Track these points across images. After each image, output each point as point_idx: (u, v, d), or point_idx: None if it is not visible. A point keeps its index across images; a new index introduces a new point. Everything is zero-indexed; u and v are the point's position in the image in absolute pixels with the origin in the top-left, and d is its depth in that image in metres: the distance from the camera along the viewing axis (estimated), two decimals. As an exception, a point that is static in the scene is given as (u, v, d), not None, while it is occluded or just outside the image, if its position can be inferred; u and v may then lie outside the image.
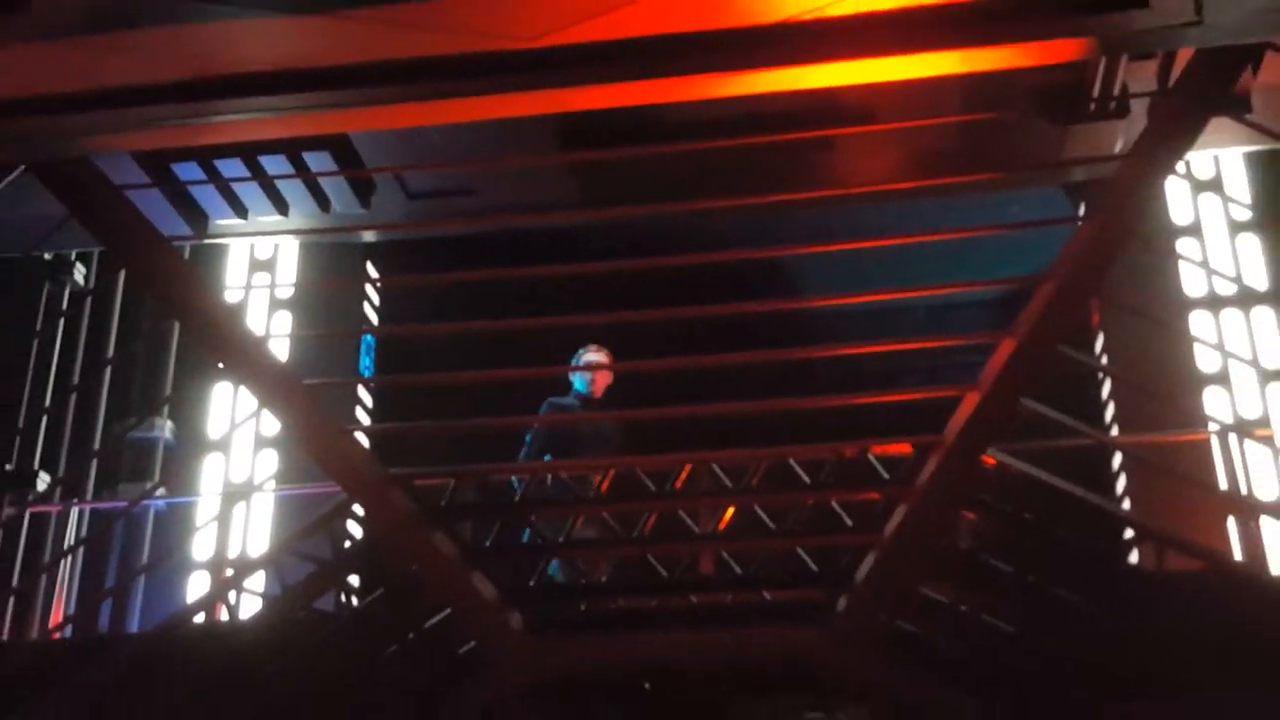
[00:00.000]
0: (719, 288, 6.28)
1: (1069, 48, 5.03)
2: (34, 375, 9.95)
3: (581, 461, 7.71)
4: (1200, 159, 9.11)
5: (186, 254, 9.11)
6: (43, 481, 9.66)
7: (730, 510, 7.14)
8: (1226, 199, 9.11)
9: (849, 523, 6.37)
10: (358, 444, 6.17)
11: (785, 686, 5.92)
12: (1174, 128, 5.53)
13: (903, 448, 6.06)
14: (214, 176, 8.25)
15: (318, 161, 8.26)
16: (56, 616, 9.08)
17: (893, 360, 9.35)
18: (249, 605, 6.82)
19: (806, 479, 6.45)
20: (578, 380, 8.46)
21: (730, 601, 6.47)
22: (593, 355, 8.37)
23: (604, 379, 8.46)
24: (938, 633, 5.78)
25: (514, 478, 7.26)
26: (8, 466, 9.53)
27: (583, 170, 8.34)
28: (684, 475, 7.03)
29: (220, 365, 6.46)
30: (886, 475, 6.11)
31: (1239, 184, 9.27)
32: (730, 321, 6.03)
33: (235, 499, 9.39)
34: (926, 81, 5.19)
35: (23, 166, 6.39)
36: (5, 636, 8.63)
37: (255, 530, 9.34)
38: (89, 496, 9.75)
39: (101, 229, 6.09)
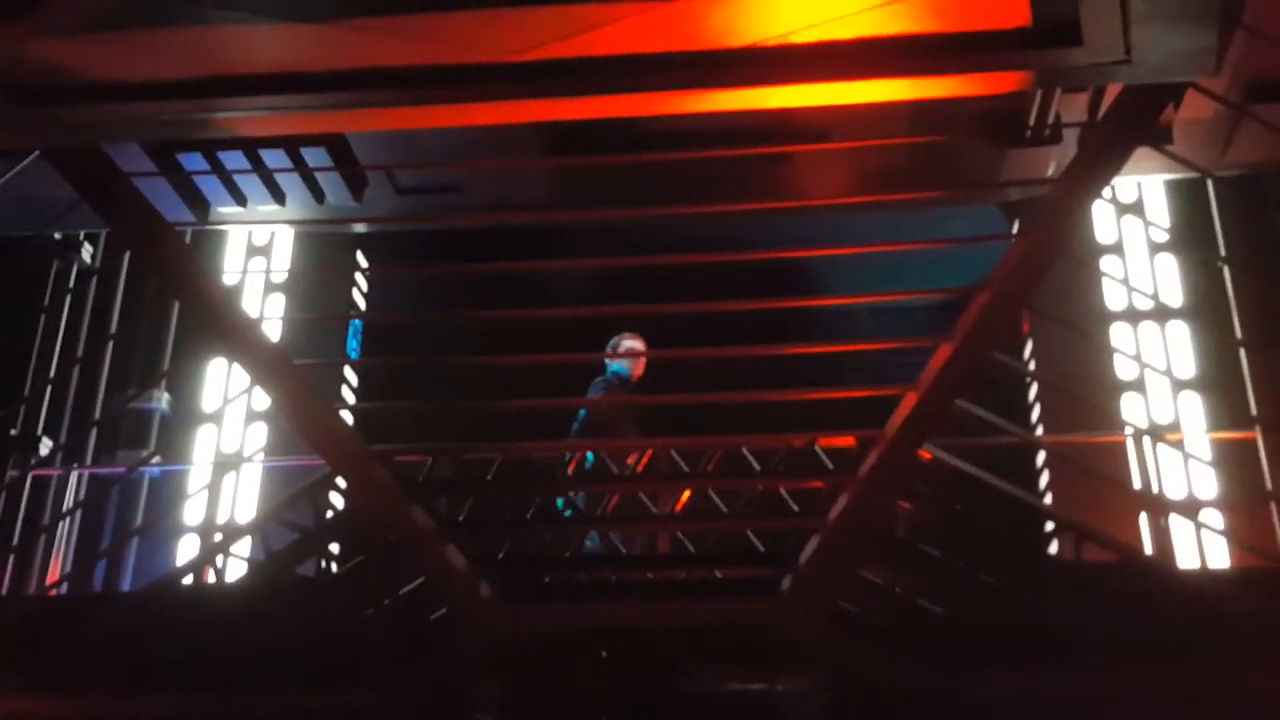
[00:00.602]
0: (688, 287, 6.30)
1: (1009, 80, 5.07)
2: (40, 346, 9.87)
3: (558, 442, 7.71)
4: (1124, 184, 9.19)
5: (188, 238, 9.06)
6: (45, 446, 9.59)
7: (687, 493, 7.17)
8: (1147, 222, 9.18)
9: (795, 508, 6.40)
10: (342, 421, 6.15)
11: (734, 658, 5.94)
12: (1102, 156, 5.57)
13: (846, 441, 6.10)
14: (216, 167, 8.19)
15: (314, 156, 8.23)
16: (54, 574, 9.02)
17: (840, 359, 9.38)
18: (236, 569, 6.78)
19: (758, 466, 6.48)
20: (617, 364, 8.45)
21: (684, 577, 6.49)
22: (629, 342, 8.41)
23: (642, 364, 8.49)
24: (874, 610, 5.82)
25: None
26: (12, 431, 9.46)
27: (561, 173, 8.34)
28: (645, 459, 7.05)
29: (216, 343, 6.41)
30: (831, 465, 6.14)
31: (1159, 208, 9.34)
32: (695, 319, 6.05)
33: (226, 468, 9.34)
34: (878, 104, 5.23)
35: (38, 151, 6.34)
36: (4, 591, 8.57)
37: (243, 498, 9.29)
38: (88, 462, 9.67)
39: (110, 212, 6.02)
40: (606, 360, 8.46)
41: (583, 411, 8.24)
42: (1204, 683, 5.31)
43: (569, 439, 8.08)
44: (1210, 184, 8.80)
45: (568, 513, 7.68)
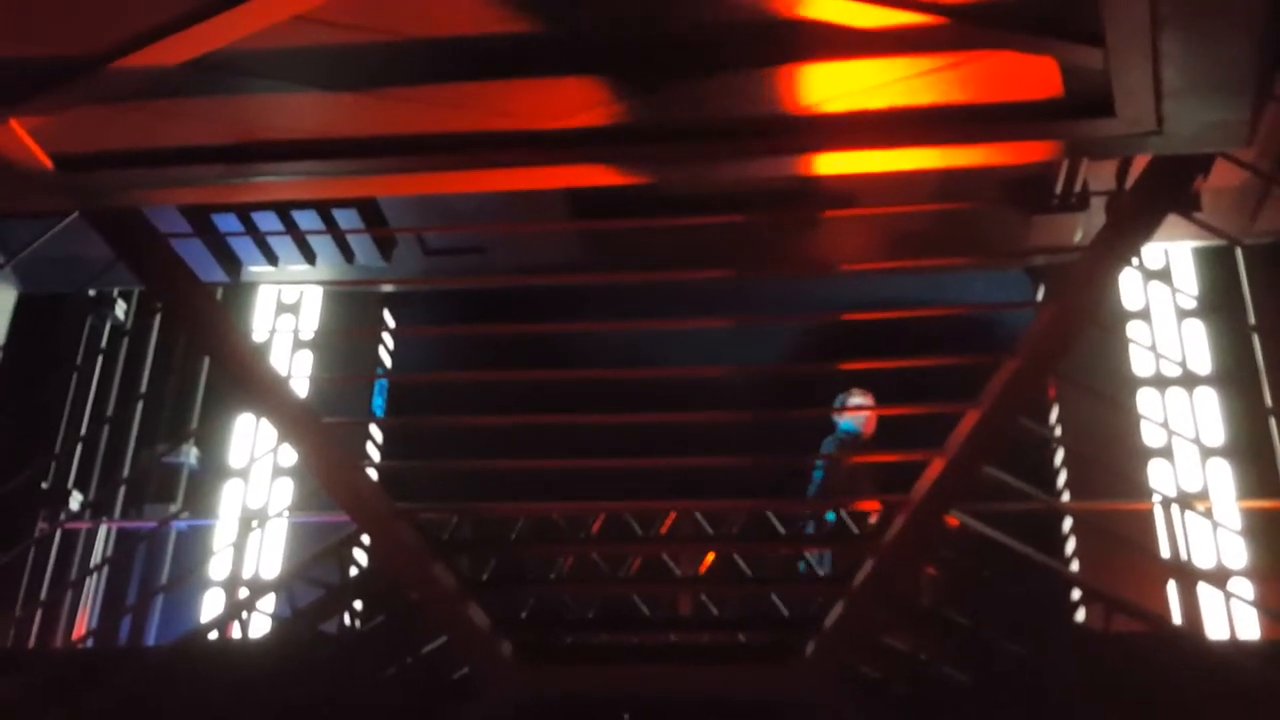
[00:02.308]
0: (707, 347, 6.32)
1: (1040, 149, 5.08)
2: (73, 402, 9.94)
3: (565, 504, 7.66)
4: (1152, 250, 9.17)
5: (219, 295, 9.14)
6: (75, 501, 9.63)
7: (710, 556, 7.13)
8: (1174, 288, 9.15)
9: (820, 573, 6.36)
10: (368, 478, 6.15)
11: (755, 721, 5.88)
12: (1131, 224, 5.57)
13: (873, 505, 6.07)
14: (250, 228, 8.29)
15: (345, 218, 8.32)
16: (80, 628, 9.02)
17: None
18: (260, 625, 6.77)
19: (783, 530, 6.45)
20: (847, 421, 8.26)
21: (707, 640, 6.44)
22: (857, 399, 8.22)
23: (873, 420, 8.25)
24: (897, 678, 5.76)
25: None
26: (43, 485, 9.50)
27: (586, 235, 8.39)
28: (669, 521, 7.03)
29: (245, 399, 6.45)
30: (857, 530, 6.11)
31: (1187, 275, 9.32)
32: (724, 381, 6.06)
33: (252, 524, 9.35)
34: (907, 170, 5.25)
35: (76, 212, 6.43)
36: (31, 645, 8.57)
37: (269, 554, 9.29)
38: (117, 516, 9.69)
39: (145, 272, 6.10)
40: (835, 418, 8.32)
41: (818, 474, 8.06)
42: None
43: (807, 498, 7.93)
44: (1239, 251, 8.77)
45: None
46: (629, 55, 4.61)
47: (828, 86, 4.68)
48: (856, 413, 8.17)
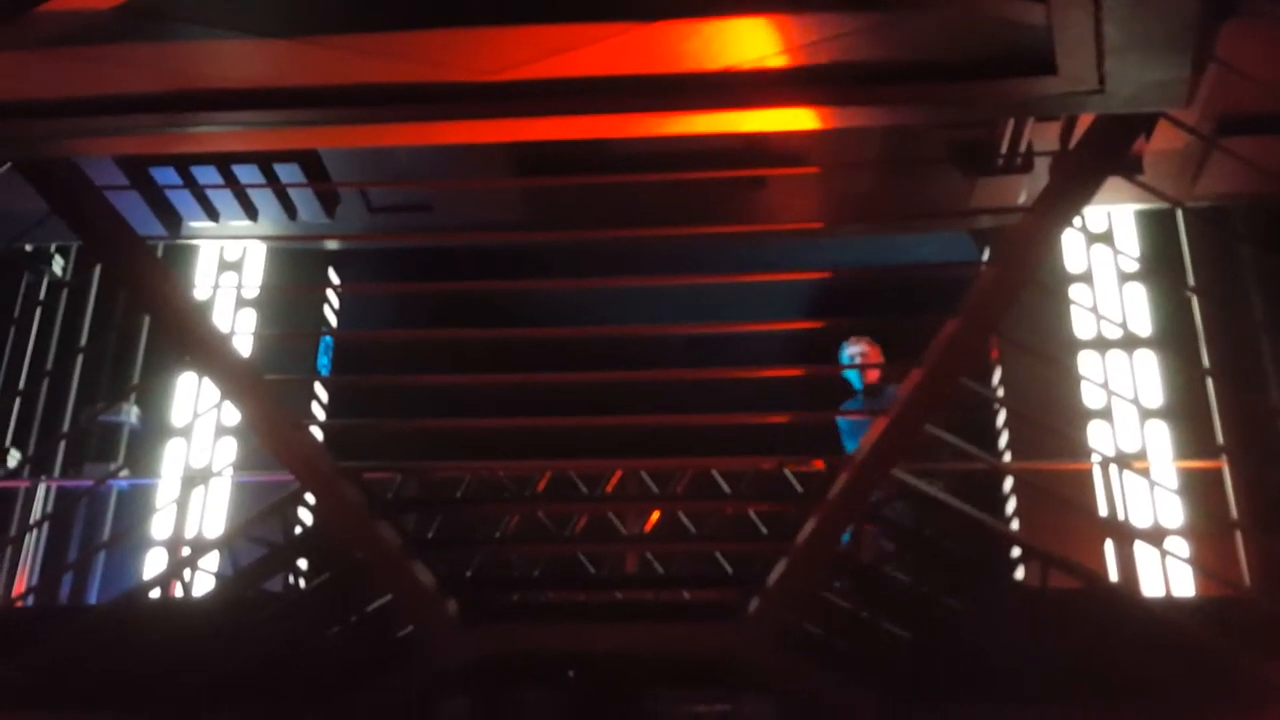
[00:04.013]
0: (653, 306, 6.30)
1: (981, 107, 5.09)
2: (10, 358, 9.77)
3: (511, 463, 7.64)
4: (1094, 213, 9.23)
5: (160, 252, 9.00)
6: (13, 458, 9.49)
7: (655, 514, 7.14)
8: (1116, 251, 9.23)
9: (764, 531, 6.39)
10: (312, 437, 6.11)
11: (699, 678, 5.91)
12: (1073, 185, 5.58)
13: (816, 464, 6.09)
14: (189, 181, 8.14)
15: (287, 172, 8.19)
16: (20, 586, 8.91)
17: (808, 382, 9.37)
18: (203, 583, 6.72)
19: (727, 489, 6.46)
20: (852, 376, 8.23)
21: (651, 598, 6.46)
22: (854, 347, 8.15)
23: (874, 371, 8.11)
24: (839, 635, 5.80)
25: None
26: (-20, 442, 9.37)
27: (534, 193, 8.32)
28: (614, 480, 7.03)
29: (186, 357, 6.36)
30: (800, 489, 6.13)
31: (1129, 238, 9.40)
32: (662, 340, 6.04)
33: (194, 483, 9.26)
34: (851, 129, 5.24)
35: (9, 164, 6.28)
36: (-30, 603, 8.47)
37: (212, 513, 9.20)
38: (56, 474, 9.57)
39: (81, 226, 5.97)
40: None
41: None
42: (1163, 717, 5.32)
43: None
44: (1180, 214, 8.86)
45: None
46: (569, 4, 4.56)
47: (771, 42, 4.65)
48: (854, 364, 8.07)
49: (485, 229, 8.69)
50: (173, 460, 9.48)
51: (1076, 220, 5.76)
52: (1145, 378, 8.99)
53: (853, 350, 8.19)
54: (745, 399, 7.03)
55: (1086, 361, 9.07)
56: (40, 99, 4.97)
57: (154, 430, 9.67)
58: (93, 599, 8.94)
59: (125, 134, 5.17)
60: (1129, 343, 9.07)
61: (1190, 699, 5.30)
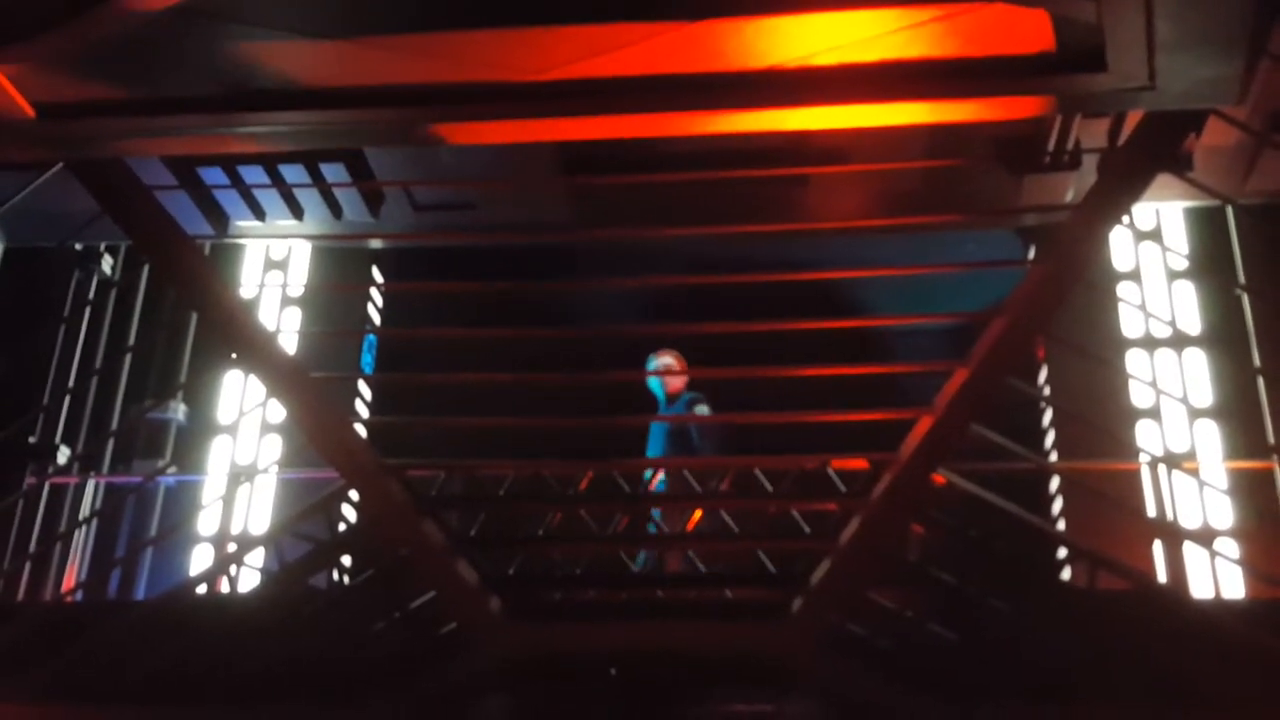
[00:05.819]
0: (704, 307, 6.29)
1: (1032, 104, 5.05)
2: (60, 356, 9.90)
3: (554, 462, 7.66)
4: (1143, 210, 9.14)
5: (207, 250, 9.09)
6: (63, 455, 9.61)
7: (698, 513, 7.14)
8: (1165, 248, 9.13)
9: (807, 530, 6.37)
10: (356, 434, 6.14)
11: (741, 678, 5.90)
12: (1122, 182, 5.54)
13: (860, 463, 6.07)
14: (236, 181, 8.22)
15: (332, 172, 8.26)
16: (69, 582, 9.03)
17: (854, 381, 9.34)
18: (248, 579, 6.77)
19: (770, 488, 6.45)
20: (652, 384, 8.38)
21: (694, 597, 6.46)
22: (661, 359, 8.32)
23: (675, 381, 8.34)
24: (883, 636, 5.78)
25: None
26: (31, 439, 9.48)
27: (580, 193, 8.34)
28: (656, 478, 7.03)
29: (233, 355, 6.43)
30: (844, 488, 6.11)
31: (1178, 235, 9.30)
32: (708, 340, 6.03)
33: (240, 480, 9.35)
34: (896, 127, 5.21)
35: (60, 165, 6.37)
36: (20, 598, 8.58)
37: (257, 510, 9.29)
38: (105, 471, 9.69)
39: (130, 225, 6.05)
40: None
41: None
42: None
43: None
44: (1230, 211, 8.75)
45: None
46: (614, 4, 4.57)
47: (817, 39, 4.64)
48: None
49: (530, 228, 8.72)
50: (219, 457, 9.58)
51: (1125, 217, 5.70)
52: (1194, 377, 8.89)
53: (659, 362, 8.32)
54: (788, 397, 7.02)
55: (1135, 360, 8.98)
56: (94, 100, 5.03)
57: (201, 427, 9.77)
58: (140, 594, 9.03)
59: (175, 134, 5.23)
60: (1178, 341, 8.97)
61: (1239, 701, 5.23)
